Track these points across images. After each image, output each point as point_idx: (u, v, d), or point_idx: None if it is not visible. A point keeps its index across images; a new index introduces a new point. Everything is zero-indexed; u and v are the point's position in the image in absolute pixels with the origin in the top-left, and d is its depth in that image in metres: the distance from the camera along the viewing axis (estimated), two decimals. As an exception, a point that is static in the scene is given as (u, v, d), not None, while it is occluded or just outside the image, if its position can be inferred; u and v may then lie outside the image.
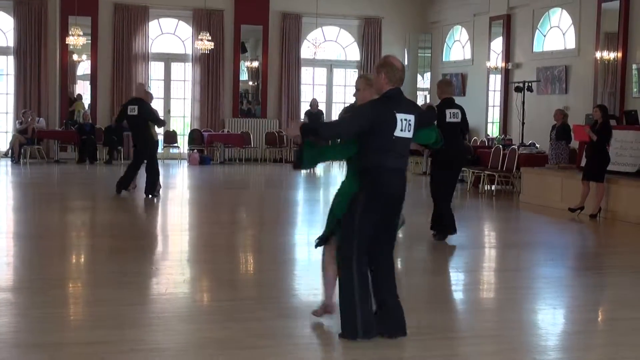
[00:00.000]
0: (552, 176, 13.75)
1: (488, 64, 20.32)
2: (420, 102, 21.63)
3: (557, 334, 5.98)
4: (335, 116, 21.26)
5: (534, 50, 18.97)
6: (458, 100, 10.50)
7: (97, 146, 20.76)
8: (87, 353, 5.04)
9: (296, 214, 13.02)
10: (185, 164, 21.08)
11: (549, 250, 9.75)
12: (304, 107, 22.44)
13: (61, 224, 11.06)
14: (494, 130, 20.64)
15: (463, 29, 22.23)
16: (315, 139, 5.44)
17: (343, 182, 5.63)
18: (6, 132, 21.42)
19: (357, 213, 5.30)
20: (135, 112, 13.30)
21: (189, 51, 22.20)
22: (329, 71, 23.79)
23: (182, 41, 22.40)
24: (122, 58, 21.48)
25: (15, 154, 20.07)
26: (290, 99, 22.82)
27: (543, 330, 6.02)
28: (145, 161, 13.51)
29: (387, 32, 23.40)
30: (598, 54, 16.49)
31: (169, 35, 22.50)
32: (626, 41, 16.02)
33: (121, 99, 20.64)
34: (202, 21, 21.74)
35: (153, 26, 22.05)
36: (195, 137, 21.67)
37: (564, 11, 18.11)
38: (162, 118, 14.73)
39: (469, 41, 21.90)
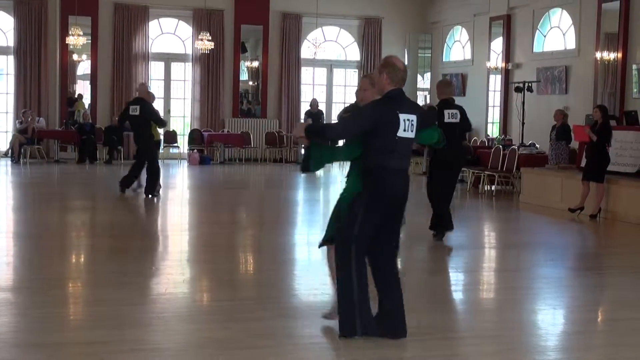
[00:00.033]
0: (552, 176, 13.75)
1: (488, 64, 20.31)
2: (420, 102, 21.64)
3: (557, 334, 5.99)
4: (335, 116, 21.26)
5: (534, 51, 18.95)
6: (458, 100, 10.50)
7: (97, 146, 20.76)
8: (86, 353, 5.04)
9: (296, 214, 13.02)
10: (185, 164, 21.08)
11: (549, 250, 9.75)
12: (304, 107, 22.44)
13: (61, 224, 11.07)
14: (494, 131, 20.63)
15: (463, 29, 22.21)
16: (319, 139, 5.44)
17: (347, 185, 5.62)
18: (6, 131, 21.41)
19: (359, 213, 5.30)
20: (137, 112, 13.32)
21: (189, 51, 22.19)
22: (329, 71, 23.79)
23: (182, 41, 22.39)
24: (122, 58, 21.47)
25: (15, 153, 20.06)
26: (290, 99, 22.82)
27: (543, 330, 6.02)
28: (147, 161, 13.53)
29: (387, 32, 23.38)
30: (598, 55, 16.48)
31: (169, 35, 22.49)
32: (626, 41, 16.01)
33: (121, 99, 20.69)
34: (202, 21, 21.73)
35: (153, 26, 22.04)
36: (195, 137, 21.67)
37: (564, 11, 18.10)
38: (163, 118, 14.74)
39: (469, 41, 21.89)
